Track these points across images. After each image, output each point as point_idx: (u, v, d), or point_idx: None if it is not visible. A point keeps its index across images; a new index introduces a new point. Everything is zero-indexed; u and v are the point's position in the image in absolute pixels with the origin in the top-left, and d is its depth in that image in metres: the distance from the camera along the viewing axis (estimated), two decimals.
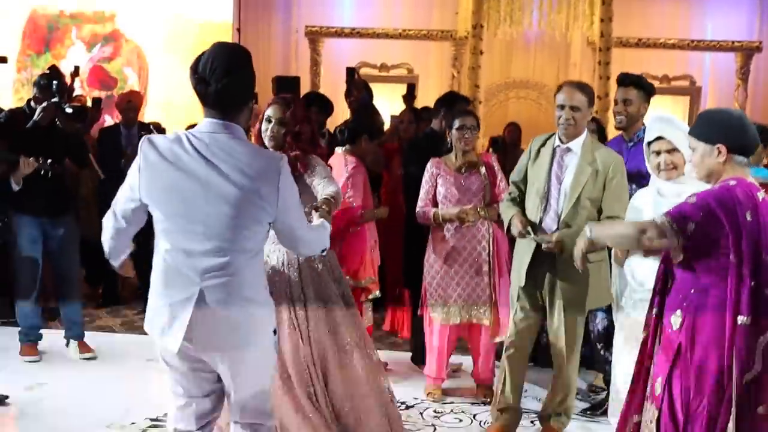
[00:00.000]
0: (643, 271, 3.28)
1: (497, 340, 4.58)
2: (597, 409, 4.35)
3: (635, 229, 2.70)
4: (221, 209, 2.47)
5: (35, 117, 4.79)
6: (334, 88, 8.96)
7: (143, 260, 6.11)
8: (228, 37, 9.03)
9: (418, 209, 4.65)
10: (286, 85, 6.72)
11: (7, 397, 4.32)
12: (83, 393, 4.51)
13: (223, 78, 2.46)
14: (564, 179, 3.79)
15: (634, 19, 9.93)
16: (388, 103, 8.88)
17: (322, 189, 3.54)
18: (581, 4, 9.26)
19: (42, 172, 4.60)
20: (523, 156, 4.03)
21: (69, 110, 4.85)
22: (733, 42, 9.83)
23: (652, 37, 9.87)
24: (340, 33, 10.21)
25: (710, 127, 2.73)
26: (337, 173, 4.70)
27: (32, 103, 4.94)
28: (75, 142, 5.09)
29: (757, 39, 9.89)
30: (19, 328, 5.10)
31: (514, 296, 3.96)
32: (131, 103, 6.05)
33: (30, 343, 5.05)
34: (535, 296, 3.89)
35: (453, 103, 5.04)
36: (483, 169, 4.58)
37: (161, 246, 2.55)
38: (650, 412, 2.74)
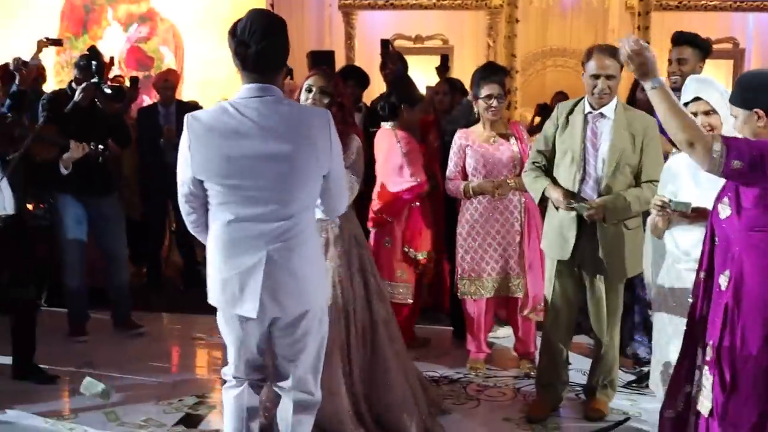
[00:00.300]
0: (688, 240, 3.21)
1: (526, 312, 4.55)
2: (642, 382, 4.31)
3: (687, 136, 2.56)
4: (280, 169, 2.53)
5: (75, 98, 4.84)
6: (368, 61, 8.87)
7: (185, 239, 6.22)
8: (262, 6, 9.00)
9: (447, 183, 4.61)
10: (321, 59, 6.69)
11: (57, 377, 4.42)
12: (130, 371, 4.59)
13: (262, 40, 2.51)
14: (600, 146, 3.70)
15: None
16: (424, 74, 8.79)
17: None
18: None
19: (95, 157, 4.62)
20: (547, 124, 3.91)
21: (108, 90, 4.89)
22: None
23: None
24: (373, 5, 10.10)
25: (745, 91, 2.65)
26: (388, 149, 4.76)
27: (73, 85, 5.00)
28: (116, 122, 5.14)
29: None
30: (67, 309, 5.18)
31: (551, 270, 3.89)
32: (168, 81, 6.07)
33: (78, 323, 5.14)
34: (573, 268, 3.83)
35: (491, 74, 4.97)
36: (513, 139, 4.52)
37: (221, 219, 2.59)
38: (706, 378, 2.69)
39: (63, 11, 9.05)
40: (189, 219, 2.72)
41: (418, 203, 4.77)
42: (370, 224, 4.81)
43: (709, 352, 2.69)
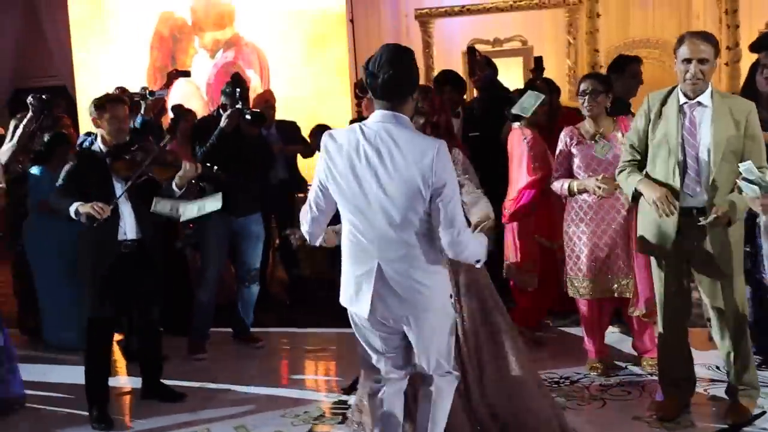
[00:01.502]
0: None
1: (636, 313, 4.42)
2: None
3: None
4: (391, 189, 2.78)
5: (221, 124, 5.04)
6: (448, 67, 8.89)
7: (290, 254, 6.37)
8: (343, 27, 9.13)
9: (552, 180, 4.57)
10: None
11: (185, 394, 4.55)
12: (253, 385, 4.69)
13: (390, 69, 2.78)
14: (701, 136, 3.56)
15: None
16: (505, 77, 8.74)
17: (471, 199, 3.45)
18: None
19: (210, 177, 4.74)
20: (638, 117, 3.77)
21: (248, 116, 5.06)
22: None
23: None
24: (450, 12, 10.11)
25: None
26: (516, 147, 5.02)
27: (221, 111, 5.21)
28: (257, 143, 5.30)
29: None
30: (192, 326, 5.31)
31: (656, 267, 3.79)
32: (269, 102, 6.17)
33: (200, 340, 5.29)
34: (681, 264, 3.70)
35: (622, 67, 5.30)
36: (619, 135, 4.44)
37: (346, 226, 2.93)
38: None
39: (152, 42, 9.38)
40: (305, 219, 3.01)
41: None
42: (504, 220, 5.08)
43: None
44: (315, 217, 2.99)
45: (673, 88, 3.67)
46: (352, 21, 9.46)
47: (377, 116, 2.86)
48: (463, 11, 10.07)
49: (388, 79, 2.77)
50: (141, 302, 4.43)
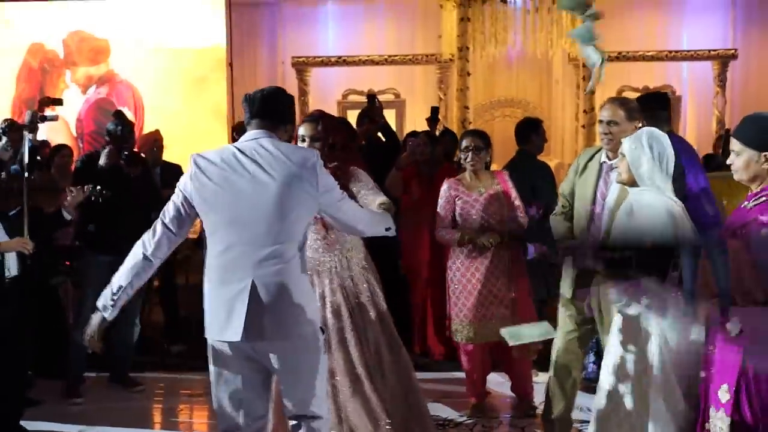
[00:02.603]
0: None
1: (515, 353, 4.65)
2: None
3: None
4: (270, 200, 2.79)
5: (100, 161, 4.93)
6: None
7: (169, 295, 6.21)
8: (222, 70, 9.11)
9: (438, 231, 4.76)
10: None
11: None
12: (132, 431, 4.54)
13: (266, 90, 2.99)
14: (608, 197, 3.80)
15: (612, 32, 10.10)
16: None
17: (373, 196, 3.68)
18: (563, 20, 9.49)
19: (96, 198, 4.62)
20: (571, 168, 4.07)
21: (123, 158, 4.96)
22: (709, 51, 10.11)
23: (631, 49, 10.14)
24: (326, 62, 10.35)
25: (759, 133, 2.84)
26: None
27: (107, 148, 5.06)
28: (141, 183, 5.17)
29: (732, 46, 10.19)
30: (69, 369, 5.07)
31: (560, 307, 4.06)
32: (157, 142, 6.07)
33: (76, 383, 5.06)
34: (580, 312, 3.94)
35: (536, 127, 5.63)
36: (498, 187, 4.72)
37: (214, 249, 2.86)
38: (720, 420, 2.83)
39: (19, 73, 9.00)
40: (150, 233, 2.92)
41: None
42: None
43: (725, 395, 2.82)
44: (171, 237, 2.90)
45: (602, 148, 3.91)
46: (231, 65, 9.48)
47: (250, 134, 2.93)
48: (339, 62, 10.34)
49: (268, 95, 2.94)
50: (13, 340, 4.14)
